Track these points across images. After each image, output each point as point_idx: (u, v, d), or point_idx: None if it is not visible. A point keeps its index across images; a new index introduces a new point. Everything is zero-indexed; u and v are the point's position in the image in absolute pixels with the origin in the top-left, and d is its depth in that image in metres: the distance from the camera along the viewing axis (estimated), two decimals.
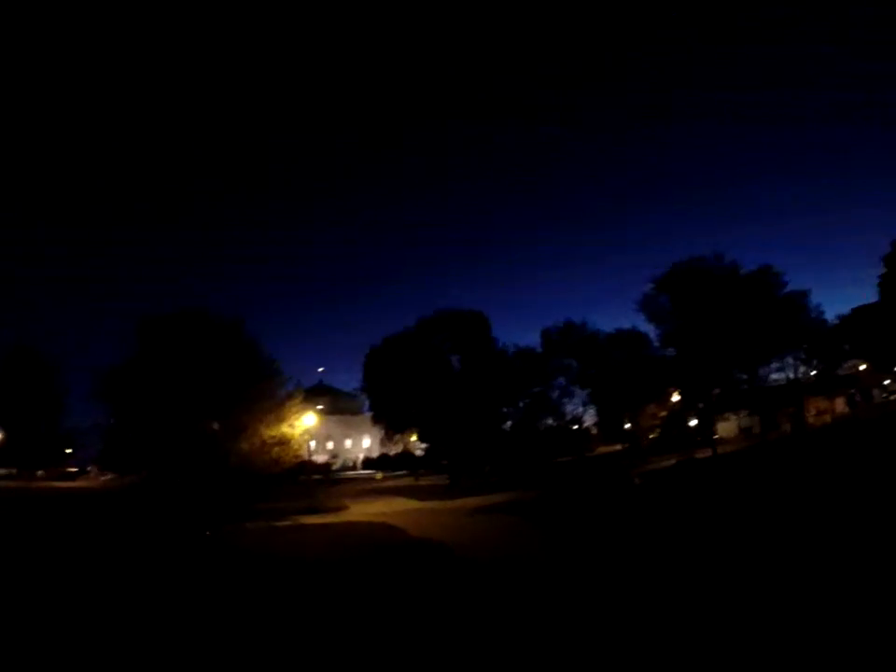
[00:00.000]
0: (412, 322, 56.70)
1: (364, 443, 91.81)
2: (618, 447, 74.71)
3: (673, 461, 52.74)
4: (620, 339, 61.98)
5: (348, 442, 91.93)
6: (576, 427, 72.28)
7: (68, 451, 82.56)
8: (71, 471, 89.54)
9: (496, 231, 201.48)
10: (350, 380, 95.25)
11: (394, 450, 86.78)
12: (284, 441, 35.00)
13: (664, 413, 65.71)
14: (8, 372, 60.67)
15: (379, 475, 73.79)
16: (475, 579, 15.06)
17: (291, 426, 35.91)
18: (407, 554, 20.29)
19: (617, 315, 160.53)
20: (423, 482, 62.02)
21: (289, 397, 36.02)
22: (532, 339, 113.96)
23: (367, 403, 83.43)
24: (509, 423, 57.86)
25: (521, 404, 58.35)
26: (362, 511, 37.80)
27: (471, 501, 38.77)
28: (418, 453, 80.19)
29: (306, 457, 42.68)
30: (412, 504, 39.60)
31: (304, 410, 36.93)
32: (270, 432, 34.49)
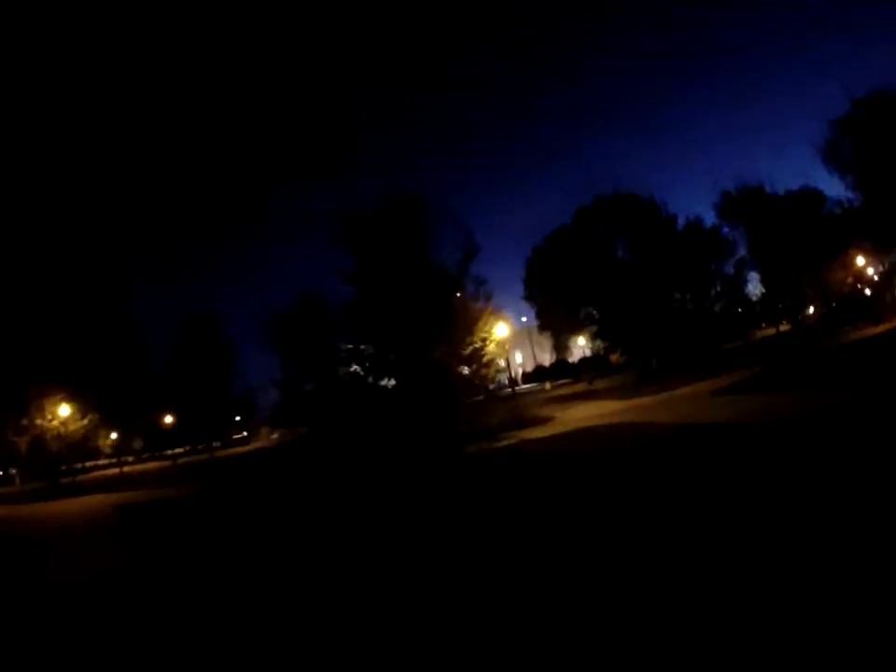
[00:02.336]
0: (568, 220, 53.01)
1: (517, 359, 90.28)
2: (778, 328, 69.07)
3: (875, 331, 47.09)
4: (793, 200, 56.01)
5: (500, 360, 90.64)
6: (740, 309, 67.58)
7: (236, 418, 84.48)
8: (242, 437, 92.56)
9: (652, 97, 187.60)
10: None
11: (549, 360, 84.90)
12: (485, 356, 32.75)
13: (850, 280, 59.49)
14: (183, 344, 60.98)
15: (548, 385, 71.61)
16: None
17: (487, 339, 33.46)
18: (708, 433, 17.56)
19: (788, 171, 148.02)
20: (598, 385, 59.32)
21: (482, 307, 33.15)
22: (700, 206, 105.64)
23: (514, 318, 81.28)
24: (687, 306, 53.69)
25: (693, 286, 54.01)
26: (574, 417, 35.18)
27: (686, 390, 35.56)
28: (573, 360, 77.91)
29: (509, 372, 40.68)
30: (621, 404, 36.50)
31: (497, 319, 34.25)
32: (470, 349, 32.30)
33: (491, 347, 33.98)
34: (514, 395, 40.15)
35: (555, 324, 55.60)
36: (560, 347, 59.33)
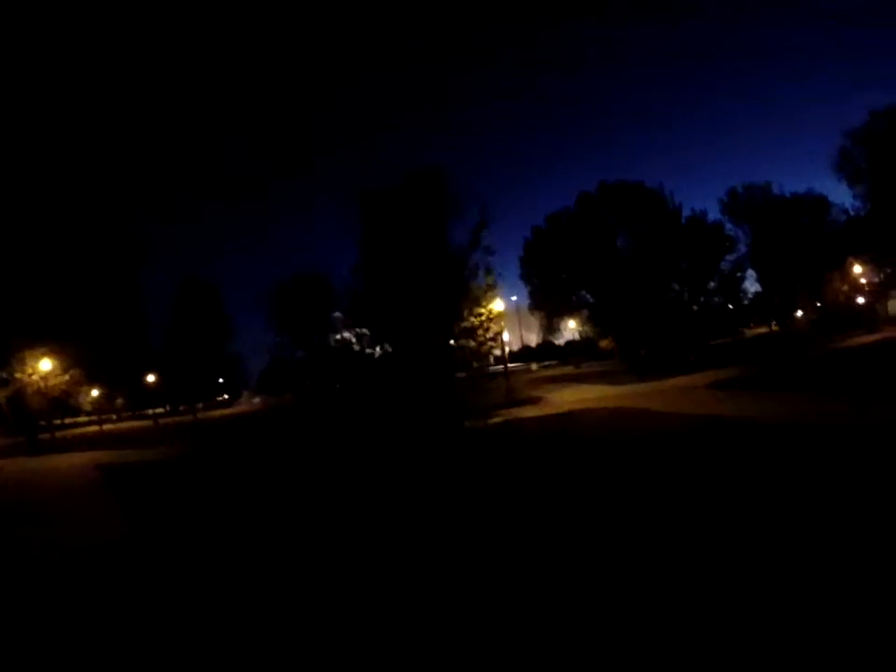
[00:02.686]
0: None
1: (504, 337, 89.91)
2: (771, 328, 69.53)
3: (869, 339, 46.77)
4: (798, 203, 55.88)
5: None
6: (731, 305, 67.62)
7: (220, 380, 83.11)
8: (224, 399, 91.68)
9: (669, 93, 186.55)
10: None
11: (535, 340, 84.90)
12: (479, 332, 32.29)
13: (845, 288, 59.48)
14: (179, 307, 60.54)
15: (534, 366, 71.79)
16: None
17: (482, 314, 32.92)
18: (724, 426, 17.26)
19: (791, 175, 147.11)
20: (585, 369, 59.34)
21: (488, 280, 32.40)
22: (702, 202, 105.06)
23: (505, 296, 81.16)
24: (679, 301, 53.46)
25: (691, 280, 53.72)
26: (565, 399, 35.12)
27: (677, 382, 35.50)
28: (560, 342, 77.71)
29: (502, 350, 40.42)
30: (613, 389, 36.62)
31: (493, 295, 33.71)
32: (465, 323, 31.84)
33: (493, 325, 33.59)
34: (507, 373, 39.78)
35: (547, 305, 55.16)
36: (549, 329, 58.93)
